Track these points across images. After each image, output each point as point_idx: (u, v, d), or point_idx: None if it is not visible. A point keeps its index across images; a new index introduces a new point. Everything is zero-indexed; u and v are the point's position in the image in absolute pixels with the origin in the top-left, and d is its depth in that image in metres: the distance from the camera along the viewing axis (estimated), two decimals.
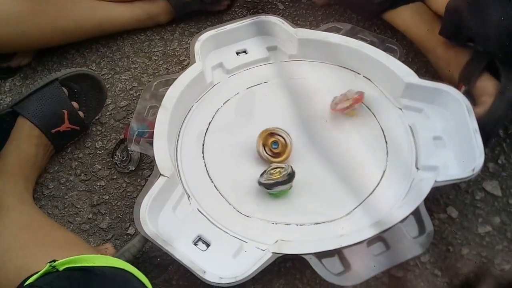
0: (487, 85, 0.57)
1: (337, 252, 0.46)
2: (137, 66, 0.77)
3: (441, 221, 0.56)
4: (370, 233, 0.46)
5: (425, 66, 0.70)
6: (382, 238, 0.46)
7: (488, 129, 0.54)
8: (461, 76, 0.60)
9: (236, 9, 0.84)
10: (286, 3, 0.84)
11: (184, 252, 0.47)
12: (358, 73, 0.64)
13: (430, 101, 0.58)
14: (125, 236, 0.58)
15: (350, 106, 0.58)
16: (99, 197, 0.62)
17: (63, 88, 0.63)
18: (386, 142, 0.58)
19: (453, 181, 0.50)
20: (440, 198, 0.57)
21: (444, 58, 0.64)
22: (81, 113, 0.65)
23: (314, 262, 0.45)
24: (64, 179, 0.64)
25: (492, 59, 0.58)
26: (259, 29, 0.68)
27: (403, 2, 0.69)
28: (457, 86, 0.59)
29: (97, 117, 0.69)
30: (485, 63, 0.59)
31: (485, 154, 0.51)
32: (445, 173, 0.51)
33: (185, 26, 0.82)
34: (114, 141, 0.67)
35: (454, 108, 0.56)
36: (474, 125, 0.53)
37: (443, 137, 0.55)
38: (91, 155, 0.66)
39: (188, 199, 0.53)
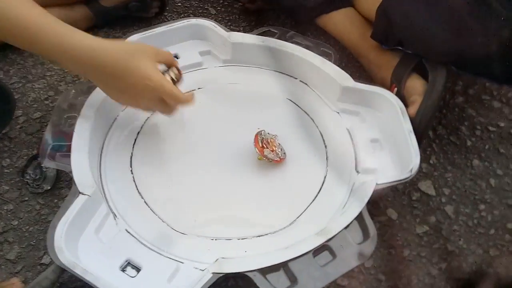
0: (415, 84, 0.59)
1: (282, 266, 0.43)
2: (53, 73, 0.69)
3: (382, 224, 0.56)
4: (315, 242, 0.43)
5: (358, 71, 0.71)
6: (327, 247, 0.44)
7: (421, 126, 0.55)
8: (392, 78, 0.62)
9: (166, 14, 0.80)
10: (218, 8, 0.81)
11: (110, 280, 0.41)
12: (295, 78, 0.63)
13: (366, 104, 0.58)
14: (38, 267, 0.50)
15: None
16: (6, 223, 0.53)
17: None
18: (325, 146, 0.56)
19: (393, 183, 0.49)
20: (380, 201, 0.57)
21: (376, 62, 0.66)
22: None
23: (258, 279, 0.41)
24: None
25: (420, 60, 0.60)
26: (191, 33, 0.64)
27: (334, 8, 0.70)
28: (389, 89, 0.60)
29: (4, 131, 0.60)
30: (413, 64, 0.61)
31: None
32: (384, 175, 0.51)
33: (109, 30, 0.76)
34: (25, 157, 0.59)
35: (389, 110, 0.56)
36: (408, 126, 0.53)
37: (379, 139, 0.56)
38: None
39: (114, 219, 0.47)
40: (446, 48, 0.57)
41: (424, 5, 0.57)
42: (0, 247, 0.51)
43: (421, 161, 0.59)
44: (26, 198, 0.55)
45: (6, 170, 0.58)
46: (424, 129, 0.56)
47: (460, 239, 0.55)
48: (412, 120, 0.55)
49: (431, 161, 0.62)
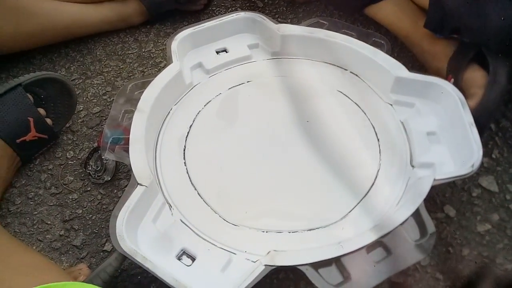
0: (475, 76, 0.56)
1: (335, 261, 0.42)
2: (110, 69, 0.72)
3: (439, 221, 0.53)
4: (369, 238, 0.42)
5: (410, 61, 0.68)
6: (382, 244, 0.43)
7: (482, 121, 0.52)
8: (449, 68, 0.59)
9: (214, 8, 0.81)
10: (265, 1, 0.81)
11: (167, 268, 0.42)
12: (345, 69, 0.62)
13: (421, 95, 0.56)
14: (101, 253, 0.53)
15: None
16: (71, 212, 0.57)
17: (27, 94, 0.57)
18: (378, 139, 0.55)
19: (452, 178, 0.47)
20: (436, 197, 0.55)
21: (430, 51, 0.62)
22: (49, 121, 0.59)
23: (310, 273, 0.41)
24: (32, 193, 0.59)
25: (479, 50, 0.57)
26: (239, 26, 0.64)
27: None
28: (445, 79, 0.57)
29: (67, 125, 0.64)
30: (472, 54, 0.57)
31: None
32: (442, 170, 0.48)
33: (161, 26, 0.78)
34: (87, 150, 0.62)
35: (447, 101, 0.53)
36: (469, 118, 0.50)
37: (437, 132, 0.53)
38: (62, 166, 0.61)
39: (170, 210, 0.49)
40: (510, 37, 0.52)
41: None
42: (67, 234, 0.55)
43: (482, 155, 0.56)
44: (89, 188, 0.59)
45: (70, 162, 0.61)
46: (485, 123, 0.53)
47: None
48: (472, 114, 0.52)
49: (493, 156, 0.58)
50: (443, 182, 0.47)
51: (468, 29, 0.56)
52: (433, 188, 0.47)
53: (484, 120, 0.52)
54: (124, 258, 0.43)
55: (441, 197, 0.55)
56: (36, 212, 0.57)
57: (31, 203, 0.58)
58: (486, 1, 0.52)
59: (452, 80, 0.57)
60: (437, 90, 0.54)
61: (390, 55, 0.58)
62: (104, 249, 0.54)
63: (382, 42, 0.61)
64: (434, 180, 0.46)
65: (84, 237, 0.55)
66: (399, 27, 0.66)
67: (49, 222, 0.56)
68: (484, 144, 0.58)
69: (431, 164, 0.50)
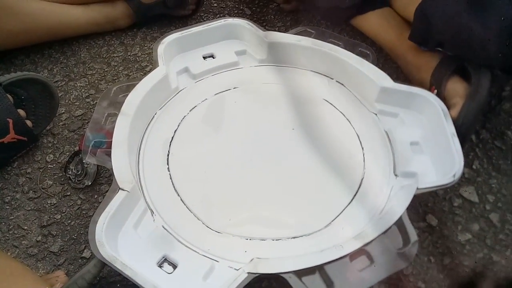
0: (457, 87, 0.57)
1: (318, 269, 0.42)
2: (94, 72, 0.71)
3: (421, 230, 0.54)
4: (352, 246, 0.42)
5: (395, 72, 0.69)
6: (365, 252, 0.43)
7: (463, 130, 0.53)
8: (432, 79, 0.60)
9: (202, 14, 0.81)
10: (253, 9, 0.81)
11: (148, 276, 0.41)
12: (331, 78, 0.62)
13: (405, 105, 0.57)
14: (79, 260, 0.52)
15: None
16: (49, 217, 0.55)
17: (7, 94, 0.56)
18: (362, 148, 0.55)
19: (434, 188, 0.48)
20: (419, 206, 0.55)
21: (414, 63, 0.64)
22: (29, 122, 0.58)
23: (293, 281, 0.41)
24: (9, 197, 0.57)
25: (462, 62, 0.58)
26: (227, 32, 0.64)
27: (371, 8, 0.68)
28: (429, 90, 0.58)
29: (48, 128, 0.63)
30: (454, 66, 0.58)
31: None
32: (425, 180, 0.49)
33: (147, 30, 0.77)
34: (67, 153, 0.61)
35: (430, 112, 0.54)
36: (452, 129, 0.51)
37: (420, 142, 0.54)
38: (41, 170, 0.60)
39: (152, 215, 0.48)
40: (492, 51, 0.54)
41: (467, 5, 0.54)
42: (44, 240, 0.53)
43: (463, 166, 0.57)
44: (68, 193, 0.57)
45: (50, 166, 0.60)
46: (466, 133, 0.54)
47: (507, 250, 0.52)
48: (454, 123, 0.53)
49: (474, 166, 0.59)
50: (425, 191, 0.47)
51: (452, 44, 0.57)
52: (415, 197, 0.47)
53: (465, 128, 0.53)
54: (103, 265, 0.42)
55: (423, 206, 0.56)
56: (12, 217, 0.55)
57: (7, 207, 0.56)
58: (485, 6, 0.53)
59: (435, 91, 0.58)
60: (421, 100, 0.55)
61: (376, 66, 0.59)
62: (82, 255, 0.52)
63: (368, 52, 0.62)
64: (417, 189, 0.47)
65: (62, 243, 0.53)
66: (384, 38, 0.68)
67: (25, 228, 0.55)
68: (465, 155, 0.59)
69: (414, 174, 0.50)
